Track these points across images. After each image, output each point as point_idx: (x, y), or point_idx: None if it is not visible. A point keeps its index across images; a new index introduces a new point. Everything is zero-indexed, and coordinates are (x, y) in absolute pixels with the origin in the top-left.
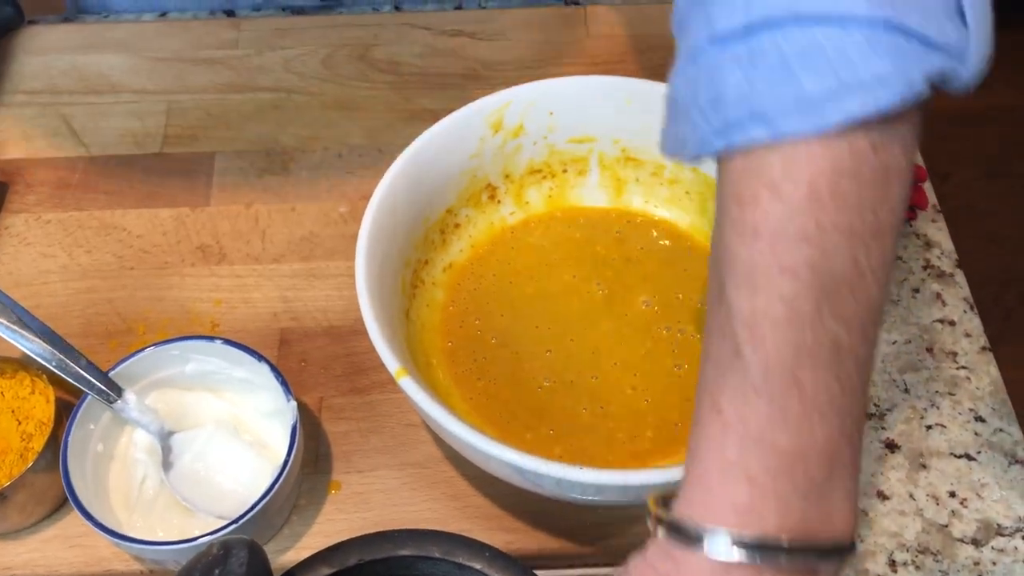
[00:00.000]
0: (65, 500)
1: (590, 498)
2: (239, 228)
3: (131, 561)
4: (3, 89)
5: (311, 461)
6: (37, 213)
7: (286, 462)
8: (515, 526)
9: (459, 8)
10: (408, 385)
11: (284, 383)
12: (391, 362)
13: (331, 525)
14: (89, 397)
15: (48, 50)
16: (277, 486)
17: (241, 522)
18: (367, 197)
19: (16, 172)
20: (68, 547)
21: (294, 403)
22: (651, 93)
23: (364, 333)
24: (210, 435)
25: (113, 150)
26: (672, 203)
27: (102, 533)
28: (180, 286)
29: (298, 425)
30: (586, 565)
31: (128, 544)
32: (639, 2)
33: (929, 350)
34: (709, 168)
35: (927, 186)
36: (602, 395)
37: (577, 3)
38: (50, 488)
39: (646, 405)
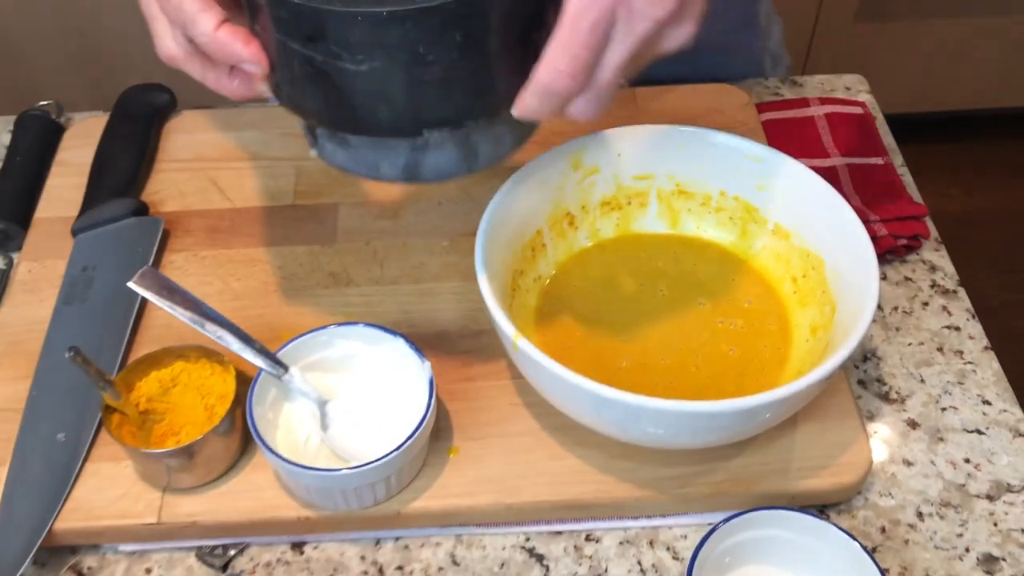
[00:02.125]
0: (236, 462)
1: (688, 434)
2: (362, 259)
3: (293, 509)
4: (160, 159)
5: (433, 432)
6: (194, 251)
7: (428, 404)
8: (605, 479)
9: None
10: (525, 345)
11: (417, 349)
12: (508, 328)
13: (453, 479)
14: (262, 374)
15: (195, 130)
16: (425, 421)
17: (389, 457)
18: (465, 234)
19: (175, 221)
20: (241, 500)
21: (428, 363)
22: (700, 138)
23: (469, 337)
24: (357, 402)
25: (254, 203)
26: (719, 226)
27: (289, 465)
28: (316, 303)
29: (433, 377)
30: (667, 514)
31: (301, 471)
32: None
33: (939, 349)
34: (749, 197)
35: (928, 220)
36: (672, 374)
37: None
38: (227, 449)
39: (707, 381)
